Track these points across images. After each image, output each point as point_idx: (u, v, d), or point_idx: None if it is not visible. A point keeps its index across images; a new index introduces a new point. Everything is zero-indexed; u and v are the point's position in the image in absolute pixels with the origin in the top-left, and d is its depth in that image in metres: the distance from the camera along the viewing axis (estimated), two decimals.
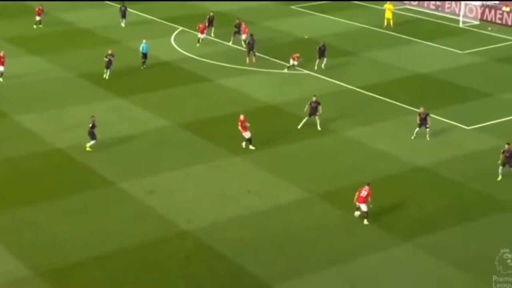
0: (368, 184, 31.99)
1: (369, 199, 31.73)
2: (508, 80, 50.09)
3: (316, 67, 50.72)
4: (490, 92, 47.50)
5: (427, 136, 39.90)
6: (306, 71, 51.07)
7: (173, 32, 60.50)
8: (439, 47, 57.05)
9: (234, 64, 52.17)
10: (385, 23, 62.19)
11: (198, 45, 55.38)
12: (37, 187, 35.11)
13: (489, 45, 57.48)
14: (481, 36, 60.38)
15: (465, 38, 59.73)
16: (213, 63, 52.65)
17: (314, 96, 41.79)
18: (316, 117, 41.20)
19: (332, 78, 49.48)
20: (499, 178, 35.85)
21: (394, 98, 46.01)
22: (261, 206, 33.56)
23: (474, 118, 43.07)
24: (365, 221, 31.93)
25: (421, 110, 39.97)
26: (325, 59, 50.84)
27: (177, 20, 63.54)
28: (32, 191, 34.69)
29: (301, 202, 33.93)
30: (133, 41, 56.96)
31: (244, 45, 54.82)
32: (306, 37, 59.50)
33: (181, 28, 61.54)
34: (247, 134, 38.74)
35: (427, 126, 39.71)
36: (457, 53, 55.67)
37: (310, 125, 41.76)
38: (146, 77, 50.05)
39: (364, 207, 31.78)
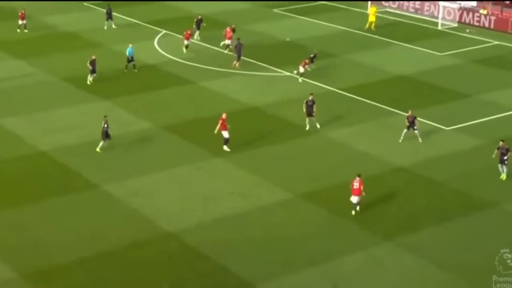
0: (359, 176, 33.00)
1: (362, 187, 32.66)
2: (486, 81, 50.63)
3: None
4: (468, 93, 48.02)
5: (419, 138, 40.37)
6: (287, 73, 51.45)
7: (157, 35, 60.68)
8: (419, 49, 57.58)
9: (217, 67, 52.43)
10: (367, 26, 62.60)
11: (185, 51, 54.87)
12: (21, 190, 35.20)
13: (467, 47, 58.05)
14: (460, 38, 60.94)
15: (444, 40, 60.25)
16: (196, 66, 52.87)
17: (311, 94, 42.42)
18: (313, 117, 41.77)
19: (314, 80, 49.80)
20: (502, 176, 36.45)
21: (374, 100, 46.44)
22: (245, 207, 33.83)
23: (453, 119, 43.56)
24: (354, 211, 32.89)
25: (409, 113, 40.49)
26: (313, 64, 51.07)
27: (160, 24, 63.70)
28: (16, 194, 34.79)
29: (284, 203, 34.24)
30: (116, 44, 57.17)
31: (227, 50, 55.02)
32: (287, 39, 59.88)
33: (164, 31, 61.71)
34: (225, 134, 38.99)
35: (415, 128, 40.24)
36: (436, 55, 56.20)
37: (294, 126, 42.29)
38: (129, 79, 50.20)
39: (357, 199, 32.78)
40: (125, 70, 51.20)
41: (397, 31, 62.31)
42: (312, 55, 51.27)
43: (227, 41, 55.18)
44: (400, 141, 40.40)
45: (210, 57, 54.70)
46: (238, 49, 51.98)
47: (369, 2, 68.27)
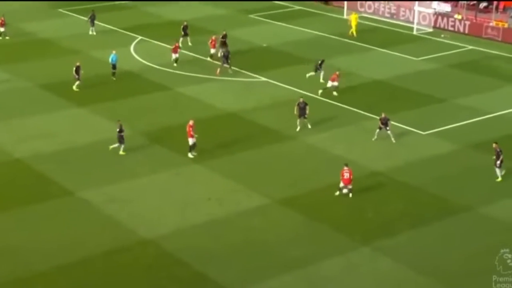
0: (347, 165, 34.89)
1: (352, 176, 34.70)
2: (461, 85, 50.89)
3: (307, 76, 50.35)
4: (444, 97, 48.24)
5: (392, 139, 40.78)
6: (264, 79, 51.49)
7: (133, 41, 60.52)
8: (395, 54, 57.82)
9: (194, 73, 52.34)
10: (355, 33, 62.59)
11: (175, 64, 53.44)
12: None
13: (443, 52, 58.34)
14: (435, 43, 61.26)
15: (419, 45, 60.56)
16: (173, 72, 52.75)
17: (301, 97, 42.93)
18: (305, 118, 42.26)
19: (290, 86, 49.87)
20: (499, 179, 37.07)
21: (351, 105, 46.58)
22: (222, 212, 33.77)
23: (429, 123, 43.74)
24: (338, 192, 34.91)
25: (382, 116, 40.90)
26: (322, 72, 50.20)
27: (136, 30, 63.58)
28: None
29: (261, 208, 34.21)
30: (92, 50, 56.95)
31: (209, 58, 54.75)
32: (264, 45, 59.96)
33: (140, 37, 61.60)
34: (190, 141, 38.86)
35: (388, 128, 40.65)
36: (412, 60, 56.45)
37: (271, 131, 42.42)
38: (106, 86, 49.90)
39: (349, 187, 34.79)
40: (114, 79, 50.78)
41: (373, 36, 62.54)
42: (319, 61, 50.42)
43: (212, 50, 54.81)
44: (374, 139, 40.80)
45: (187, 63, 54.55)
46: (225, 56, 51.73)
47: (345, 4, 68.54)
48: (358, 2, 69.97)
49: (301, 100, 42.68)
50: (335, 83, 47.90)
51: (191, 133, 38.76)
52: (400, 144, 40.93)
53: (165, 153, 39.82)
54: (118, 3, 73.48)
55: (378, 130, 40.91)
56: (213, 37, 55.47)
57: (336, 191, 35.02)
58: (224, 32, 56.24)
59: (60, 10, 70.91)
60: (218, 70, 51.90)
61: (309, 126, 42.52)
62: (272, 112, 45.25)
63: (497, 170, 36.82)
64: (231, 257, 30.40)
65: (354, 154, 39.66)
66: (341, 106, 46.58)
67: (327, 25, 65.78)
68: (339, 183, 35.39)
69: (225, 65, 51.77)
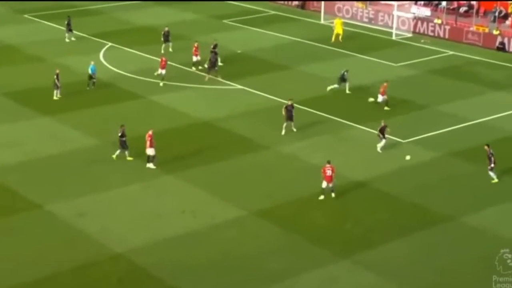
0: (329, 162, 34.90)
1: (334, 174, 34.58)
2: (442, 92, 50.27)
3: (328, 89, 49.21)
4: (425, 104, 47.53)
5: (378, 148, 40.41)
6: (240, 86, 50.46)
7: (102, 48, 59.23)
8: (373, 60, 57.11)
9: (167, 80, 51.09)
10: (333, 39, 61.62)
11: (161, 83, 50.46)
12: None
13: (422, 58, 57.78)
14: (414, 48, 60.71)
15: (398, 50, 60.02)
16: (145, 80, 51.58)
17: (290, 99, 42.60)
18: (292, 121, 42.10)
19: (267, 93, 49.00)
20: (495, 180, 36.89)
21: (329, 112, 45.66)
22: (196, 225, 32.90)
23: (409, 131, 42.98)
24: (333, 194, 34.76)
25: (382, 124, 40.29)
26: (347, 84, 49.10)
27: (104, 36, 62.38)
28: None
29: (237, 220, 33.39)
30: (58, 58, 55.68)
31: (194, 68, 53.55)
32: (239, 51, 58.96)
33: (110, 44, 60.36)
34: (151, 151, 37.84)
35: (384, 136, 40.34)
36: (391, 66, 55.80)
37: (246, 140, 41.58)
38: (75, 94, 48.56)
39: (330, 185, 34.61)
40: (87, 88, 49.27)
41: (351, 42, 61.77)
42: (343, 72, 48.86)
43: (194, 58, 53.47)
44: (379, 151, 40.28)
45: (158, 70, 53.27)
46: (213, 61, 50.91)
47: (322, 8, 67.77)
48: (336, 6, 69.19)
49: (289, 102, 42.27)
50: (385, 97, 46.47)
51: (150, 143, 37.70)
52: (380, 153, 40.09)
53: (137, 163, 38.66)
54: (85, 8, 72.10)
55: (384, 141, 40.14)
56: (195, 44, 54.12)
57: (319, 196, 34.49)
58: (215, 43, 54.58)
59: (26, 15, 69.62)
60: (218, 76, 51.08)
61: (294, 130, 42.08)
62: (248, 121, 44.43)
63: (491, 173, 36.66)
64: (206, 271, 29.57)
65: (333, 163, 38.46)
66: (318, 114, 45.62)
67: (304, 30, 65.08)
68: (318, 192, 34.63)
69: (211, 71, 50.96)
